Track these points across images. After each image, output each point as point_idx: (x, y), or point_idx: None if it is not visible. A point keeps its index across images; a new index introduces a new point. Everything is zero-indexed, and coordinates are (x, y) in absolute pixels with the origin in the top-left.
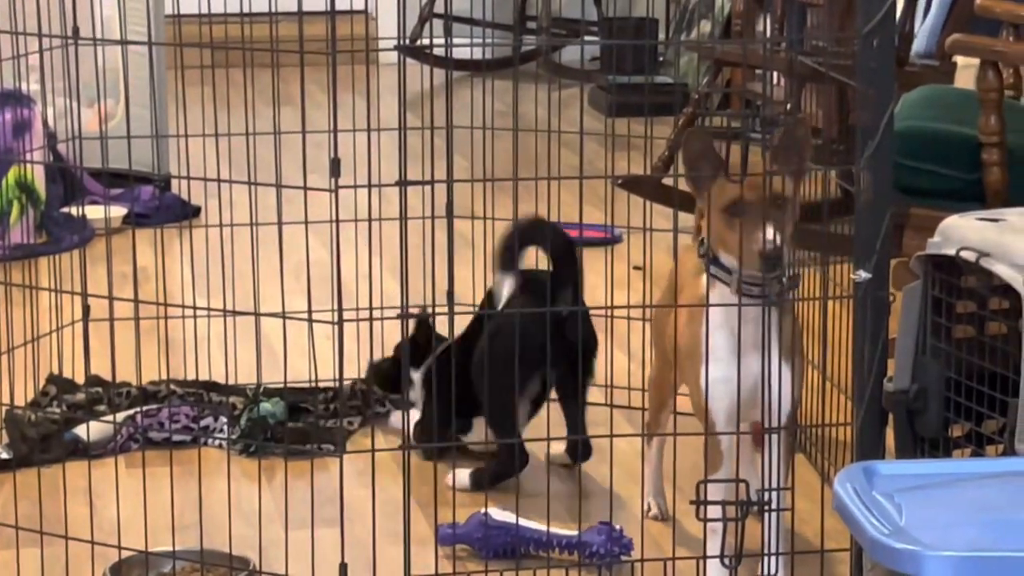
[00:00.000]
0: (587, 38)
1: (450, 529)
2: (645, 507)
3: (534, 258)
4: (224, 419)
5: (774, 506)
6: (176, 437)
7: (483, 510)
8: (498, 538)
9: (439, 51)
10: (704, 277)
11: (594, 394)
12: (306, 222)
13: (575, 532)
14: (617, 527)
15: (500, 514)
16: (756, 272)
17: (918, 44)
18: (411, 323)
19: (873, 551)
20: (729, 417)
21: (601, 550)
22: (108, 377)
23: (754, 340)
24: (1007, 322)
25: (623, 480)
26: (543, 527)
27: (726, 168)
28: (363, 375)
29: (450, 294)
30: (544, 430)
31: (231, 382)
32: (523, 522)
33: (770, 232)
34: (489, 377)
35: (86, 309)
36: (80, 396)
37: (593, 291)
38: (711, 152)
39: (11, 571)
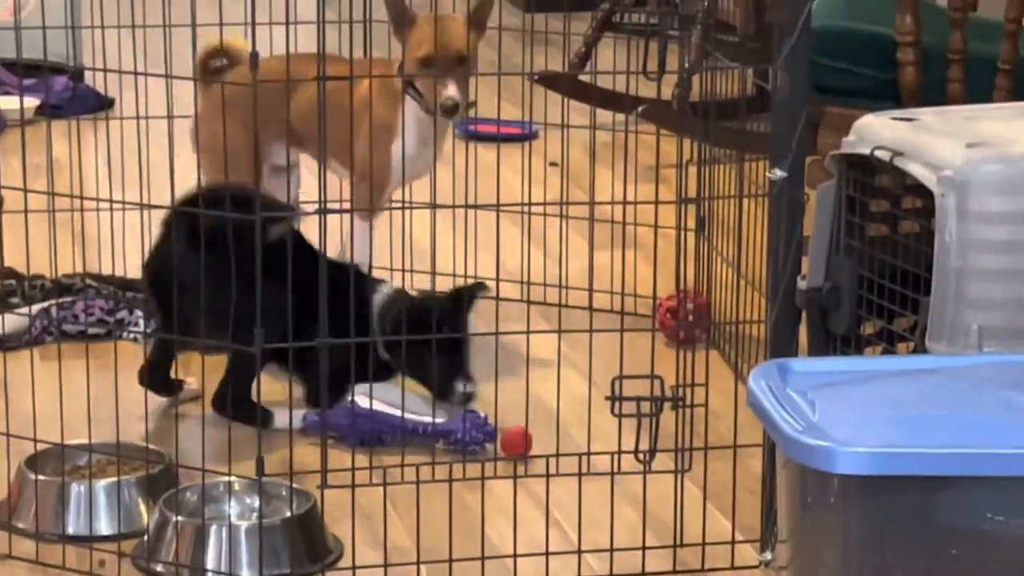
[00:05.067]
0: None
1: (317, 417)
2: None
3: None
4: (139, 313)
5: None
6: (91, 330)
7: (349, 398)
8: (364, 425)
9: None
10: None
11: (508, 290)
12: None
13: (442, 419)
14: (482, 414)
15: (366, 402)
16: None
17: None
18: None
19: (786, 447)
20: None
21: (465, 437)
22: (22, 269)
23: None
24: (920, 221)
25: (540, 379)
26: (413, 416)
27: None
28: None
29: None
30: None
31: None
32: (389, 410)
33: (452, 89)
34: None
35: None
36: None
37: (509, 187)
38: (403, 6)
39: None
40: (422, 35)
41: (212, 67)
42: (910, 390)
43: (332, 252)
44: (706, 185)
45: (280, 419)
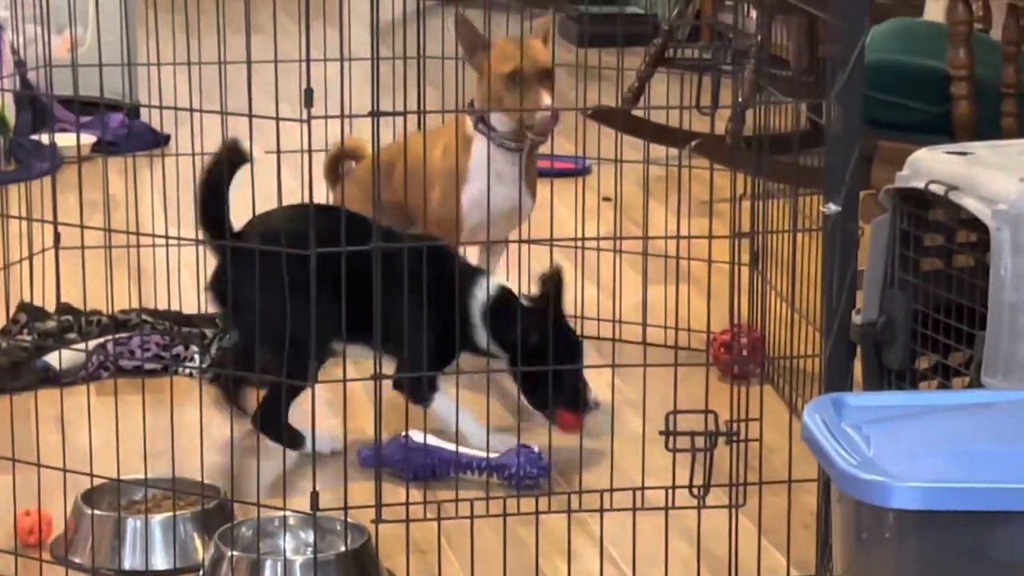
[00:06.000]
0: None
1: (371, 451)
2: None
3: None
4: (195, 348)
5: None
6: (147, 365)
7: (403, 433)
8: (417, 459)
9: None
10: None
11: None
12: (278, 152)
13: (496, 454)
14: (536, 450)
15: (420, 436)
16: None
17: None
18: None
19: (841, 482)
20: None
21: (519, 472)
22: (79, 305)
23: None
24: (974, 255)
25: (594, 414)
26: (466, 450)
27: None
28: None
29: None
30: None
31: (202, 311)
32: (442, 443)
33: (546, 97)
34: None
35: (57, 237)
36: (51, 324)
37: (563, 222)
38: (476, 32)
39: None
40: (506, 52)
41: (339, 170)
42: (965, 425)
43: None
44: (760, 219)
45: (314, 443)
